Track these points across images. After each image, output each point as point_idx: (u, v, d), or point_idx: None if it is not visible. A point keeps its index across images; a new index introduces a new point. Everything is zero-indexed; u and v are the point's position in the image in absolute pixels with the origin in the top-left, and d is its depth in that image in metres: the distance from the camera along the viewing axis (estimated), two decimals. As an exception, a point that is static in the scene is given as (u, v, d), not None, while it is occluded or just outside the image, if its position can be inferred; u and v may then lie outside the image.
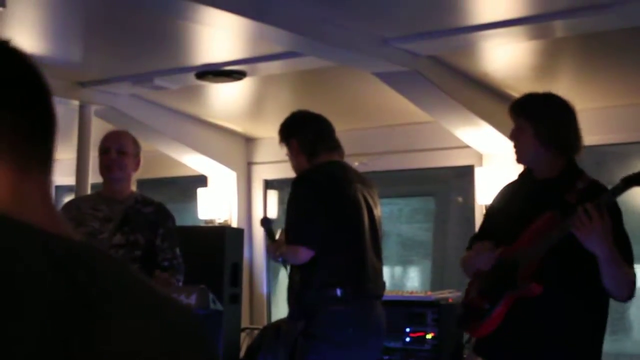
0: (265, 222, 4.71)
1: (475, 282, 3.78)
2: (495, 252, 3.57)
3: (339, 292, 4.28)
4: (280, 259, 4.33)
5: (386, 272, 7.08)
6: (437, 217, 7.15)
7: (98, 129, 5.63)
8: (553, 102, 3.59)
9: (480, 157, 6.12)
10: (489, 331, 3.62)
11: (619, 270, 3.31)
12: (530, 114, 3.54)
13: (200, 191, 7.29)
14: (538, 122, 3.53)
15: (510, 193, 3.80)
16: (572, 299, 3.48)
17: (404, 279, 7.14)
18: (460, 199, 6.74)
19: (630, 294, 3.42)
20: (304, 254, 4.26)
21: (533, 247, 3.47)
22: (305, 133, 4.50)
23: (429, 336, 5.46)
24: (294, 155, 4.48)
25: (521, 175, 3.81)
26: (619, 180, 3.30)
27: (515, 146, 3.57)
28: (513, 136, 3.56)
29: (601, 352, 3.55)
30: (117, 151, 4.52)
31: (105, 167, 4.56)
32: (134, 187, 4.72)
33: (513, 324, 3.52)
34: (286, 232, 4.32)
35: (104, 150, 4.56)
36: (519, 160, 3.61)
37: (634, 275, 3.38)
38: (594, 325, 3.54)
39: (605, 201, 3.27)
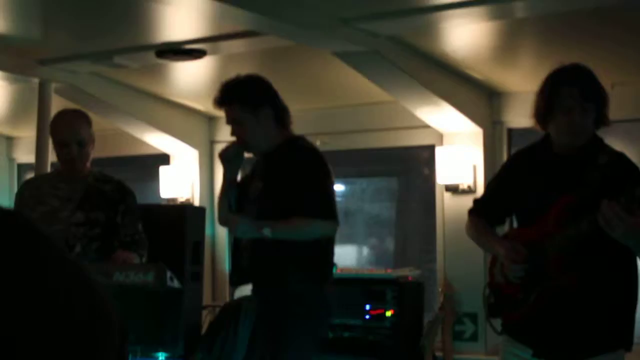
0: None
1: (499, 264, 3.75)
2: (525, 260, 3.57)
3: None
4: (270, 235, 4.06)
5: (352, 250, 7.16)
6: (399, 197, 7.19)
7: (58, 106, 5.60)
8: (595, 77, 3.53)
9: (440, 136, 6.15)
10: (520, 316, 3.63)
11: None
12: (594, 98, 3.49)
13: (162, 169, 7.28)
14: (603, 105, 3.52)
15: (524, 165, 3.76)
16: (607, 280, 3.51)
17: (369, 256, 7.19)
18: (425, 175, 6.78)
19: None
20: (335, 230, 4.23)
21: (560, 235, 3.45)
22: (278, 98, 4.30)
23: (388, 314, 5.50)
24: (263, 125, 4.22)
25: (536, 146, 3.76)
26: (622, 196, 3.21)
27: (579, 127, 3.49)
28: (580, 120, 3.46)
29: (634, 324, 3.59)
30: (77, 144, 4.48)
31: (67, 162, 4.52)
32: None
33: (549, 310, 3.54)
34: (309, 204, 4.11)
35: (62, 144, 4.50)
36: (576, 141, 3.57)
37: None
38: (629, 300, 3.58)
39: (632, 197, 3.21)
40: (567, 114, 3.46)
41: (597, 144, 3.55)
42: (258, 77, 4.32)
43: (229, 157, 4.37)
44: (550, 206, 3.50)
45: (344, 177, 7.12)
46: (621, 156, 3.56)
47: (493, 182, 3.94)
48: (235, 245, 4.38)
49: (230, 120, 4.28)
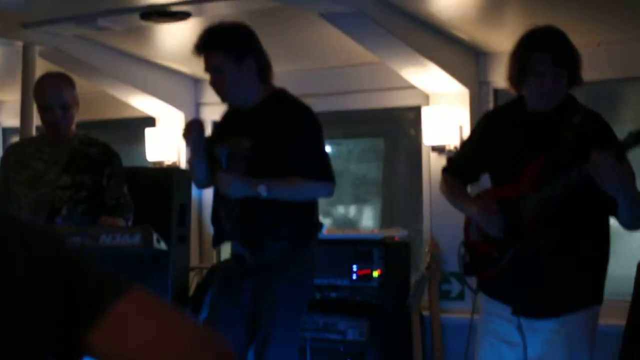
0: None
1: (474, 224, 3.79)
2: (501, 219, 3.59)
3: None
4: (265, 194, 3.95)
5: (339, 210, 7.17)
6: (386, 157, 7.20)
7: (42, 70, 5.56)
8: (568, 39, 3.56)
9: (426, 97, 6.14)
10: (496, 275, 3.67)
11: (639, 205, 3.36)
12: (567, 63, 3.52)
13: (148, 132, 7.25)
14: (576, 67, 3.54)
15: (498, 124, 3.79)
16: (582, 239, 3.54)
17: (357, 217, 7.21)
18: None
19: None
20: (332, 192, 4.18)
21: (535, 196, 3.48)
22: (262, 51, 4.16)
23: (375, 274, 5.52)
24: (245, 76, 4.08)
25: (510, 106, 3.79)
26: (628, 134, 3.24)
27: (552, 91, 3.53)
28: (552, 85, 3.51)
29: (605, 280, 3.65)
30: (61, 107, 4.47)
31: (51, 126, 4.51)
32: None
33: (525, 268, 3.58)
34: (305, 164, 4.07)
35: (46, 108, 4.49)
36: (549, 104, 3.59)
37: None
38: (601, 257, 3.63)
39: (623, 148, 3.23)
40: (540, 79, 3.49)
41: (571, 104, 3.59)
42: (244, 25, 4.18)
43: (193, 134, 4.27)
44: (525, 166, 3.53)
45: (330, 139, 7.09)
46: (595, 116, 3.61)
47: (467, 141, 3.98)
48: (217, 205, 4.25)
49: (210, 68, 4.11)
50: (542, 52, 3.50)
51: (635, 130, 3.24)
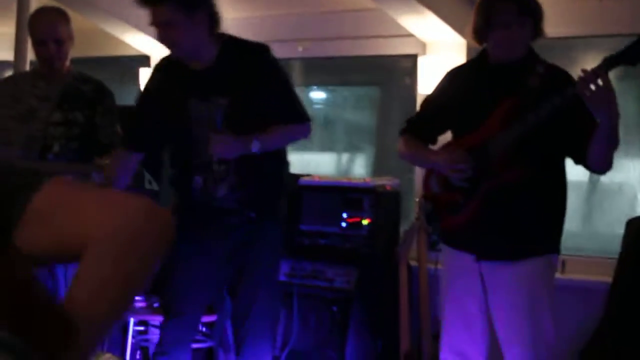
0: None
1: (435, 176, 3.81)
2: (469, 162, 3.61)
3: None
4: (256, 149, 3.87)
5: (332, 158, 7.15)
6: (381, 105, 7.17)
7: (38, 4, 5.50)
8: None
9: (423, 45, 6.10)
10: (461, 222, 3.68)
11: (615, 140, 3.41)
12: (531, 12, 3.56)
13: (142, 71, 7.20)
14: (539, 18, 3.58)
15: (461, 79, 3.81)
16: (545, 178, 3.59)
17: (349, 165, 7.19)
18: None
19: (610, 165, 3.52)
20: (311, 130, 4.20)
21: (505, 133, 3.51)
22: (213, 4, 3.93)
23: (365, 222, 5.52)
24: (197, 30, 3.83)
25: (472, 61, 3.83)
26: (601, 61, 3.28)
27: (517, 41, 3.56)
28: (518, 34, 3.55)
29: (562, 232, 3.71)
30: (55, 41, 4.43)
31: (45, 60, 4.48)
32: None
33: (489, 211, 3.60)
34: (284, 108, 4.06)
35: (39, 42, 4.46)
36: (514, 54, 3.59)
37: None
38: (559, 204, 3.66)
39: (607, 67, 3.25)
40: (506, 29, 3.51)
41: (533, 56, 3.63)
42: None
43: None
44: (491, 111, 3.56)
45: (325, 85, 7.07)
46: (556, 67, 3.65)
47: (429, 101, 3.97)
48: (194, 171, 4.09)
49: (159, 22, 3.83)
50: (507, 1, 3.52)
51: (624, 48, 3.28)
